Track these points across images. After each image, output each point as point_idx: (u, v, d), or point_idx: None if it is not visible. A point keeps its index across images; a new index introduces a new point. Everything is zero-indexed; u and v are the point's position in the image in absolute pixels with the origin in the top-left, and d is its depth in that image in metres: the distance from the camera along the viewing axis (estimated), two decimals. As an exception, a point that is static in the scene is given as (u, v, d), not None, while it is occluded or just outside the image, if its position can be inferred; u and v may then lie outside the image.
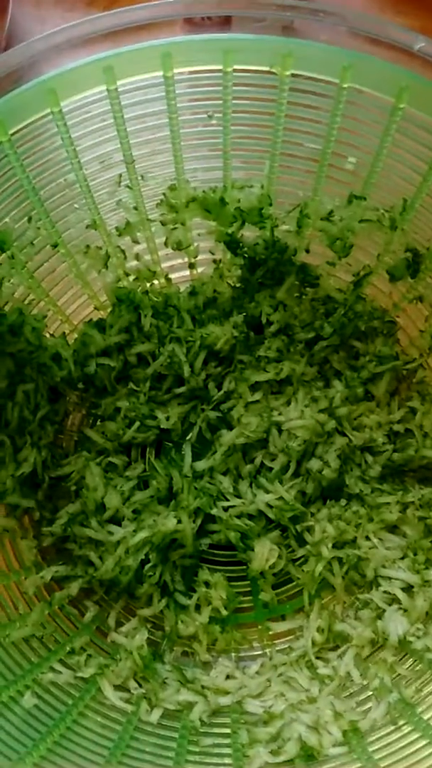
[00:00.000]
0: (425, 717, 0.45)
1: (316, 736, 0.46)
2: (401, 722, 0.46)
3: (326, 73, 0.48)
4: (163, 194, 0.58)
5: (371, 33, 0.47)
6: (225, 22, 0.50)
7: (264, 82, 0.50)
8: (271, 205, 0.58)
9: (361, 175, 0.55)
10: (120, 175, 0.56)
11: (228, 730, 0.50)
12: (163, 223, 0.60)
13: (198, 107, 0.52)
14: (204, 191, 0.58)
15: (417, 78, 0.46)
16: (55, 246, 0.57)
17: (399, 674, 0.51)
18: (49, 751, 0.42)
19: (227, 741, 0.48)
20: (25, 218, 0.54)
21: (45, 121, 0.49)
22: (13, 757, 0.40)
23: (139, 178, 0.56)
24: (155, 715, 0.50)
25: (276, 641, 0.59)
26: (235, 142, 0.55)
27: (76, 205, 0.56)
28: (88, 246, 0.59)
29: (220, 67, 0.49)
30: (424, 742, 0.43)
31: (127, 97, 0.50)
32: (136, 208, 0.59)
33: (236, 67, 0.49)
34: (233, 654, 0.58)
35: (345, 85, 0.48)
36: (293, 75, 0.49)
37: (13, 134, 0.48)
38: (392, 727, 0.46)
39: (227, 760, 0.46)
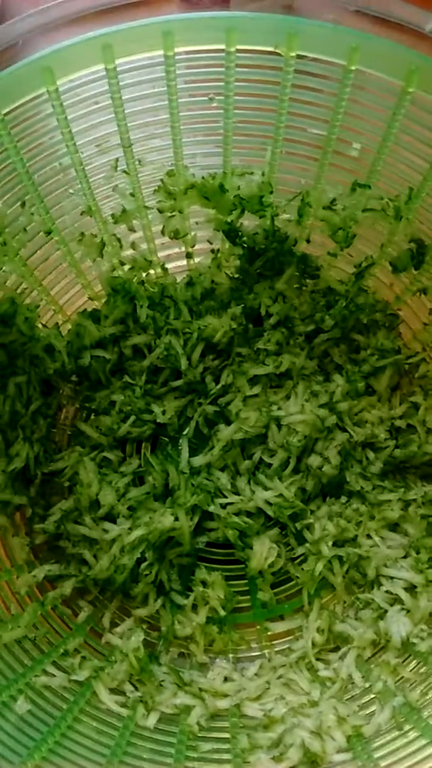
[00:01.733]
0: (432, 722, 0.43)
1: (319, 741, 0.45)
2: (407, 727, 0.44)
3: (333, 55, 0.46)
4: (161, 180, 0.56)
5: (379, 13, 0.45)
6: (222, 1, 0.47)
7: (268, 63, 0.48)
8: (272, 193, 0.56)
9: (366, 163, 0.53)
10: (117, 160, 0.54)
11: (227, 735, 0.48)
12: (160, 211, 0.58)
13: (198, 89, 0.50)
14: (203, 178, 0.56)
15: (427, 60, 0.44)
16: (48, 233, 0.55)
17: (402, 677, 0.49)
18: (44, 759, 0.40)
19: (227, 746, 0.47)
20: (19, 203, 0.52)
21: (40, 101, 0.47)
22: (6, 767, 0.39)
23: (137, 162, 0.54)
24: (152, 720, 0.49)
25: (274, 642, 0.58)
26: (237, 126, 0.53)
27: (71, 191, 0.54)
28: (82, 233, 0.58)
29: (222, 46, 0.47)
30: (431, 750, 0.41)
31: (126, 77, 0.48)
32: (132, 195, 0.57)
33: (239, 47, 0.47)
34: (231, 655, 0.56)
35: (352, 67, 0.46)
36: (298, 56, 0.47)
37: (6, 114, 0.46)
38: (397, 733, 0.44)
39: (227, 766, 0.45)
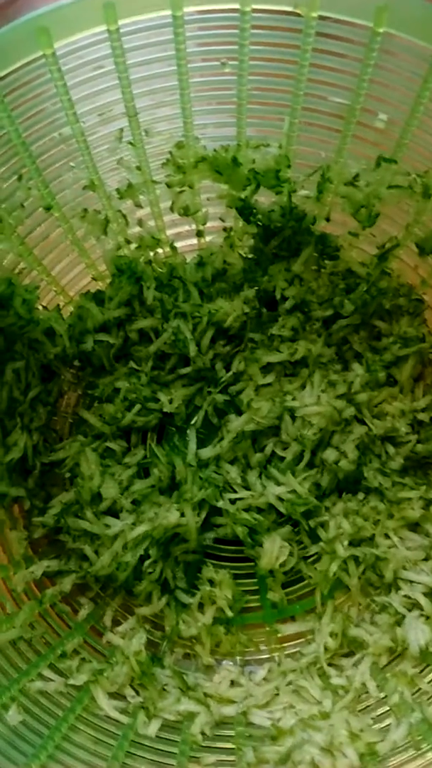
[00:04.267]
0: (452, 743, 0.41)
1: (329, 759, 0.42)
2: (424, 747, 0.41)
3: (358, 15, 0.42)
4: (170, 152, 0.52)
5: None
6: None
7: (287, 24, 0.44)
8: (289, 167, 0.52)
9: (393, 135, 0.49)
10: (121, 130, 0.50)
11: (232, 746, 0.46)
12: (168, 186, 0.55)
13: (210, 53, 0.46)
14: (215, 150, 0.52)
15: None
16: (48, 209, 0.52)
17: (420, 689, 0.46)
18: (36, 776, 0.38)
19: (231, 758, 0.44)
20: (15, 177, 0.49)
21: (37, 65, 0.43)
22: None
23: (143, 133, 0.51)
24: (153, 728, 0.46)
25: (285, 645, 0.55)
26: (252, 94, 0.49)
27: (72, 163, 0.51)
28: (85, 209, 0.54)
29: (237, 6, 0.43)
30: (451, 774, 0.38)
31: (130, 39, 0.44)
32: (139, 168, 0.53)
33: (255, 6, 0.43)
34: (238, 657, 0.54)
35: (380, 30, 0.42)
36: (320, 17, 0.42)
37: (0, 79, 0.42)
38: (414, 752, 0.42)
39: (232, 782, 0.42)
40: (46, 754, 0.40)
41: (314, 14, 0.42)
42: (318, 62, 0.46)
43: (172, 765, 0.43)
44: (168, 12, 0.43)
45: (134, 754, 0.44)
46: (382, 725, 0.45)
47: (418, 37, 0.42)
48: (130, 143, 0.51)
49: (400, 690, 0.46)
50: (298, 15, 0.43)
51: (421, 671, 0.48)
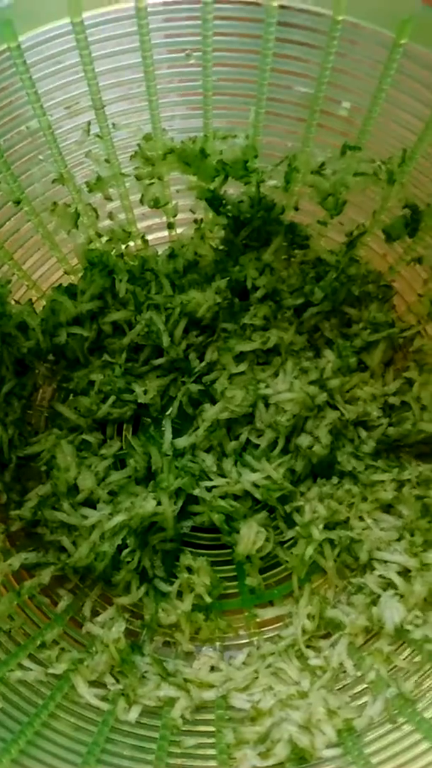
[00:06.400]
0: (426, 715, 0.41)
1: (308, 736, 0.42)
2: (400, 720, 0.42)
3: (319, 4, 0.43)
4: (138, 145, 0.53)
5: (369, -43, 0.41)
6: None
7: (249, 14, 0.44)
8: (256, 157, 0.53)
9: (356, 123, 0.50)
10: (89, 123, 0.50)
11: (212, 729, 0.46)
12: (138, 178, 0.55)
13: (175, 44, 0.47)
14: (183, 142, 0.53)
15: (420, 10, 0.41)
16: (18, 203, 0.52)
17: (396, 666, 0.47)
18: (14, 762, 0.38)
19: (211, 741, 0.45)
20: (-17, 171, 0.48)
21: (2, 58, 0.43)
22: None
23: (110, 126, 0.51)
24: (133, 714, 0.46)
25: (263, 629, 0.55)
26: (217, 85, 0.50)
27: (40, 157, 0.51)
28: (55, 203, 0.54)
29: (199, -4, 0.43)
30: (426, 745, 0.39)
31: (95, 31, 0.45)
32: (107, 161, 0.53)
33: (217, -4, 0.43)
34: (218, 643, 0.54)
35: (340, 18, 0.43)
36: (282, 6, 0.44)
37: (-36, 73, 0.43)
38: (390, 726, 0.42)
39: (212, 763, 0.43)
40: (26, 739, 0.40)
41: (275, 3, 0.43)
42: (281, 52, 0.47)
43: (153, 749, 0.44)
44: (131, 4, 0.43)
45: (114, 740, 0.44)
46: (360, 703, 0.46)
47: (378, 24, 0.43)
48: (98, 136, 0.51)
49: (377, 668, 0.47)
50: (259, 5, 0.43)
51: (397, 649, 0.48)
